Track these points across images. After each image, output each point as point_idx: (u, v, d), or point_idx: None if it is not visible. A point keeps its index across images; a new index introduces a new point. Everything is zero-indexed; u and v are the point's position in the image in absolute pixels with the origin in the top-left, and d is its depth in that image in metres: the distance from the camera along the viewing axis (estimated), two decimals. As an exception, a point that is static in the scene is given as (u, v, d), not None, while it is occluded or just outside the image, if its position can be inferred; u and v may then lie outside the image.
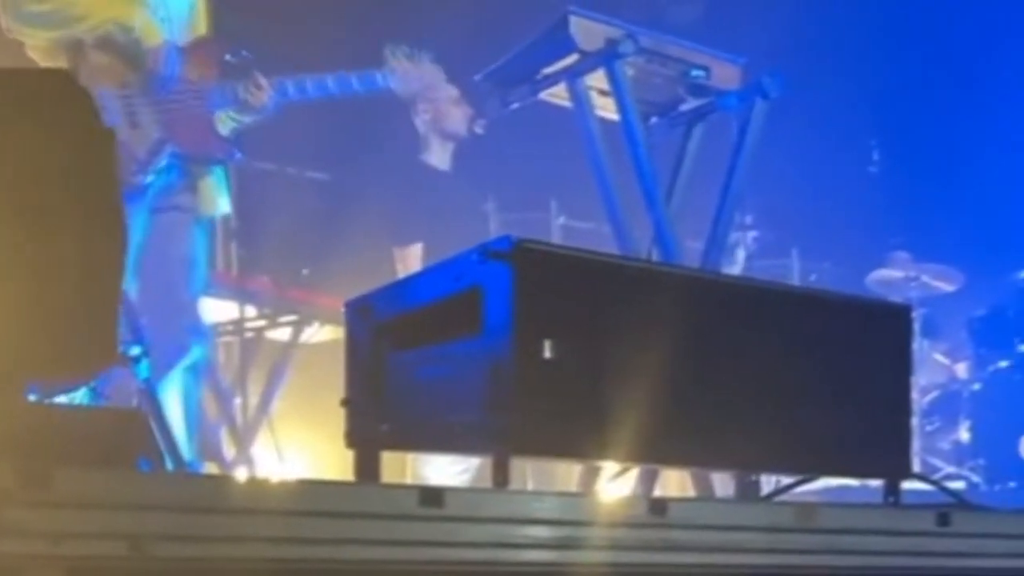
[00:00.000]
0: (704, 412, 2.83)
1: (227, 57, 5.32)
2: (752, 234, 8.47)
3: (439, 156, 7.30)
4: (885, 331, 3.23)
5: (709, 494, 4.28)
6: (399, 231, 7.11)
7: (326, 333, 6.90)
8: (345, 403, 2.96)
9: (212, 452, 6.23)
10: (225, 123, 5.41)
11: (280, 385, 6.90)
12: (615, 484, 3.64)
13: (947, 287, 9.33)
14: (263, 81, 5.33)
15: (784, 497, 3.35)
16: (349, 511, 2.10)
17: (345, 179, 8.16)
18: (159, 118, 5.13)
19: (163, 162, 5.08)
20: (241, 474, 6.19)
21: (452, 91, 7.25)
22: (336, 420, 2.97)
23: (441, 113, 7.28)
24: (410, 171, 7.32)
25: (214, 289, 6.43)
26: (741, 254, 8.45)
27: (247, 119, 5.40)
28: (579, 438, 2.64)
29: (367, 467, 2.88)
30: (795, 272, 9.07)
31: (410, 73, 5.74)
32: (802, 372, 3.02)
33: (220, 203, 5.42)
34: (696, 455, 2.97)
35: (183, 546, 1.96)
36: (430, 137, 7.31)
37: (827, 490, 5.99)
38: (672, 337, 2.80)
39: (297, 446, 7.05)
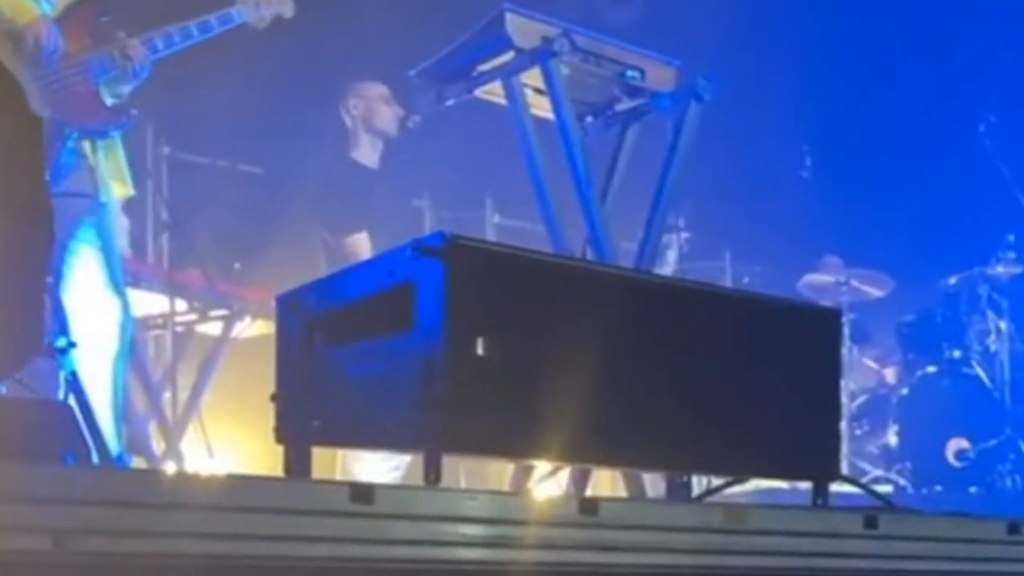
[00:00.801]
0: (636, 412, 2.83)
1: (103, 19, 5.24)
2: (684, 235, 8.49)
3: (368, 154, 7.25)
4: (815, 334, 3.25)
5: (640, 494, 4.29)
6: (333, 227, 7.07)
7: (257, 328, 6.84)
8: (275, 398, 2.93)
9: (140, 446, 6.17)
10: (105, 97, 5.28)
11: (210, 379, 6.84)
12: (547, 483, 3.64)
13: (877, 292, 9.42)
14: (135, 42, 5.25)
15: (714, 498, 3.36)
16: (279, 507, 2.08)
17: (278, 173, 8.10)
18: (49, 99, 5.04)
19: (63, 150, 4.99)
20: (170, 469, 6.13)
21: (382, 89, 7.23)
22: (267, 416, 2.95)
23: (371, 111, 7.24)
24: (344, 167, 7.28)
25: (144, 281, 6.38)
26: (672, 255, 8.46)
27: (126, 89, 5.31)
28: (511, 436, 2.64)
29: (297, 463, 2.86)
30: (728, 274, 9.12)
31: (259, 1, 5.70)
32: (733, 374, 3.04)
33: (118, 186, 5.32)
34: (627, 455, 2.97)
35: (109, 541, 1.93)
36: (359, 134, 7.27)
37: (757, 492, 6.02)
38: (605, 337, 2.80)
39: (227, 441, 6.98)
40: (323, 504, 2.13)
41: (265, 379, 3.06)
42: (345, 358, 2.80)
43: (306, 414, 2.85)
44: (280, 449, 2.90)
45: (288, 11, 5.80)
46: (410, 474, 6.50)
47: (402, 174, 7.45)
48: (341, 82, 7.43)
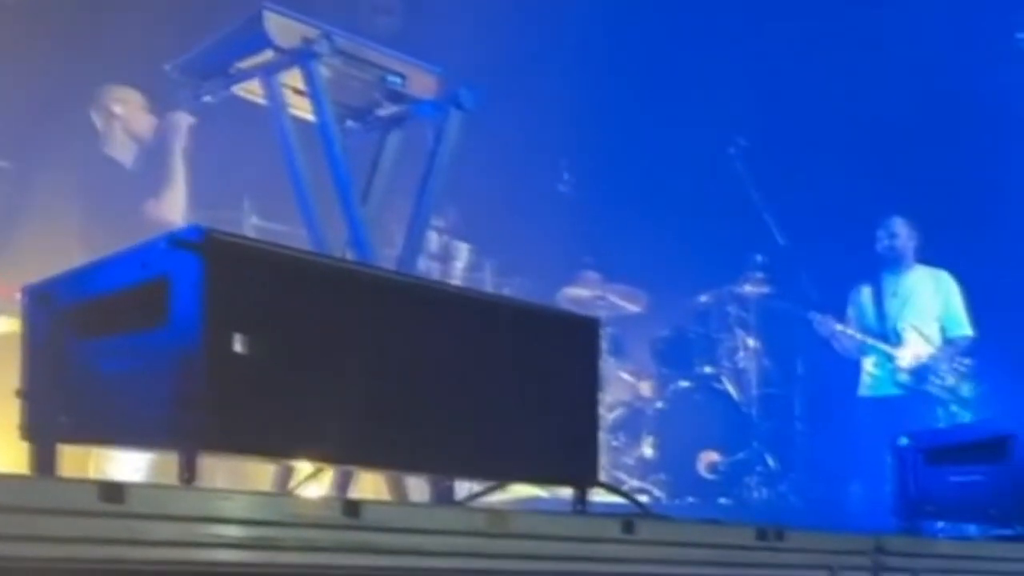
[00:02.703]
0: (398, 415, 2.79)
1: None
2: (467, 247, 8.53)
3: (122, 152, 7.11)
4: (574, 343, 3.26)
5: (403, 498, 4.26)
6: (82, 223, 6.87)
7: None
8: (20, 393, 2.80)
9: None
10: None
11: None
12: (309, 485, 3.56)
13: (633, 307, 9.59)
14: None
15: (477, 503, 3.34)
16: (21, 505, 1.97)
17: (25, 168, 7.82)
18: None
19: None
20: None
21: (140, 97, 7.10)
22: (10, 413, 2.81)
23: (131, 117, 7.12)
24: (95, 164, 7.09)
25: None
26: (460, 266, 8.51)
27: None
28: (272, 436, 2.56)
29: (43, 460, 2.73)
30: (488, 285, 9.14)
31: None
32: (494, 379, 3.02)
33: None
34: (390, 458, 2.92)
35: None
36: (116, 133, 7.11)
37: (519, 500, 6.07)
38: (366, 338, 2.75)
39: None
40: (70, 503, 2.02)
41: (5, 375, 2.92)
42: (96, 353, 2.68)
43: (54, 410, 2.72)
44: (25, 448, 2.76)
45: None
46: (153, 475, 6.32)
47: (157, 173, 7.28)
48: (92, 79, 7.24)
